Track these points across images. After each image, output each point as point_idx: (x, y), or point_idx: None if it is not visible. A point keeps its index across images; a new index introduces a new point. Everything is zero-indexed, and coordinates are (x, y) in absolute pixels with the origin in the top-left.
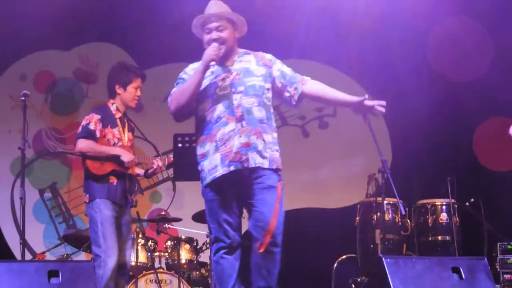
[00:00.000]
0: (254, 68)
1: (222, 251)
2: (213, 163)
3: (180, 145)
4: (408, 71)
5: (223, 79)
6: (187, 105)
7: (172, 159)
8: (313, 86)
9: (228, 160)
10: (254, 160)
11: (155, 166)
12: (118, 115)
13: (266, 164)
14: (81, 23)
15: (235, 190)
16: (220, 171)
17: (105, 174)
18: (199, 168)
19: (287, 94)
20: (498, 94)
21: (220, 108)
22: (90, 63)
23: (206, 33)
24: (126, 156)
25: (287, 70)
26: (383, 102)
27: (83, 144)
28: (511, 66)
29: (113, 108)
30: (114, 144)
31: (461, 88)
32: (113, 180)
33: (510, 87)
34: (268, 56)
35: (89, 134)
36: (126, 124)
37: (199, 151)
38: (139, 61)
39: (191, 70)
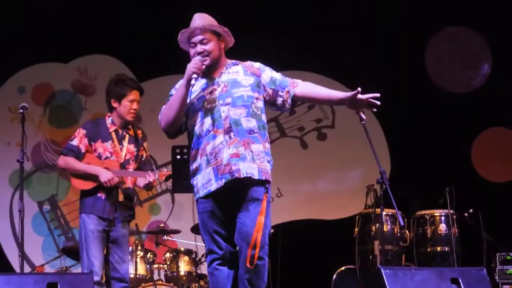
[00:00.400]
0: (242, 79)
1: (216, 262)
2: (207, 177)
3: (178, 157)
4: (406, 81)
5: (211, 92)
6: (176, 120)
7: (167, 172)
8: (304, 87)
9: (220, 173)
10: (245, 170)
11: (146, 182)
12: (113, 128)
13: (256, 175)
14: (79, 35)
15: (227, 201)
16: (214, 185)
17: (90, 189)
18: (192, 182)
19: (280, 100)
20: (496, 105)
21: (208, 122)
22: (88, 75)
23: (191, 47)
24: (104, 176)
25: (277, 76)
26: (377, 94)
27: (61, 161)
28: (509, 77)
29: (108, 121)
30: (106, 158)
31: (460, 98)
32: (101, 194)
33: (508, 98)
34: (257, 64)
35: (70, 151)
36: (127, 136)
37: (192, 165)
38: (137, 72)
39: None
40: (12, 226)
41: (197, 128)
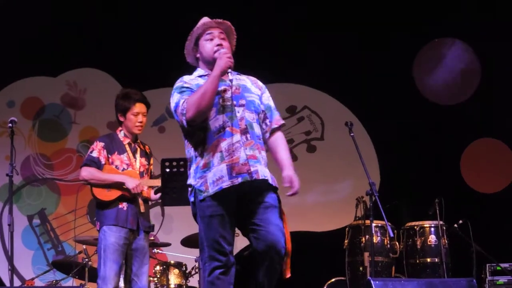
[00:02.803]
0: (250, 86)
1: (218, 271)
2: (218, 174)
3: (168, 170)
4: (396, 93)
5: (224, 91)
6: (208, 109)
7: None
8: (275, 141)
9: (235, 172)
10: (263, 173)
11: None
12: (127, 141)
13: (269, 179)
14: (69, 49)
15: (235, 205)
16: (228, 182)
17: (112, 200)
18: (196, 179)
19: (264, 126)
20: (485, 116)
21: (223, 118)
22: (77, 89)
23: (207, 40)
24: (130, 183)
25: (272, 104)
26: (295, 187)
27: (85, 173)
28: (499, 88)
29: (121, 135)
30: (123, 170)
31: (449, 110)
32: (123, 205)
33: (497, 110)
34: (260, 83)
35: (92, 162)
36: (138, 149)
37: (200, 162)
38: (126, 86)
39: (191, 80)
40: (1, 240)
41: (210, 123)
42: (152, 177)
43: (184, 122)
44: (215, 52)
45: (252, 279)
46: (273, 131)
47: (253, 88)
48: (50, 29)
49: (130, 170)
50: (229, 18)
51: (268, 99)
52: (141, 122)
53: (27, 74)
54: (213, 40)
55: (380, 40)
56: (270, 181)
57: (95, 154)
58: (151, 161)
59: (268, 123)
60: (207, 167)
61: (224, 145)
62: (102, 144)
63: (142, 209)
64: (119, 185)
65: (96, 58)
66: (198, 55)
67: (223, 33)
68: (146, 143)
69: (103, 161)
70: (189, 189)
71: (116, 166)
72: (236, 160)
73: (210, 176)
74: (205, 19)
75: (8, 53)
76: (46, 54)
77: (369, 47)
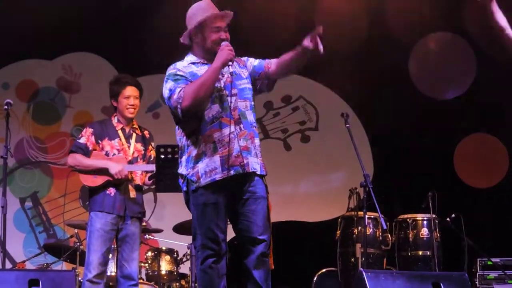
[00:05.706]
0: (239, 71)
1: (211, 259)
2: (212, 165)
3: (162, 156)
4: (390, 87)
5: (218, 81)
6: (205, 100)
7: None
8: (280, 58)
9: (227, 164)
10: (252, 165)
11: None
12: (119, 126)
13: (258, 170)
14: (65, 32)
15: (228, 195)
16: (220, 174)
17: (99, 185)
18: (188, 169)
19: (264, 69)
20: (479, 111)
21: (216, 109)
22: (73, 72)
23: (213, 32)
24: (113, 168)
25: (257, 60)
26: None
27: (71, 159)
28: (493, 84)
29: (114, 120)
30: (114, 155)
31: (443, 104)
32: (111, 191)
33: (491, 105)
34: (243, 58)
35: (78, 149)
36: (134, 135)
37: (192, 151)
38: (122, 71)
39: (184, 67)
40: None
41: (204, 113)
42: (149, 163)
43: (179, 111)
44: (218, 44)
45: (243, 270)
46: (270, 62)
47: (242, 72)
48: (47, 12)
49: (120, 155)
50: (226, 6)
51: (253, 61)
52: (132, 104)
53: (23, 57)
54: (219, 32)
55: (375, 31)
56: (258, 172)
57: (82, 140)
58: (150, 147)
59: (264, 62)
60: (199, 157)
61: (217, 136)
62: (91, 130)
63: (132, 195)
64: (104, 171)
65: (92, 42)
66: (197, 40)
67: (226, 26)
68: (147, 128)
69: (90, 147)
70: (181, 178)
71: (106, 152)
72: (229, 151)
73: (202, 166)
74: (209, 4)
75: (3, 35)
76: (42, 37)
77: (364, 40)
